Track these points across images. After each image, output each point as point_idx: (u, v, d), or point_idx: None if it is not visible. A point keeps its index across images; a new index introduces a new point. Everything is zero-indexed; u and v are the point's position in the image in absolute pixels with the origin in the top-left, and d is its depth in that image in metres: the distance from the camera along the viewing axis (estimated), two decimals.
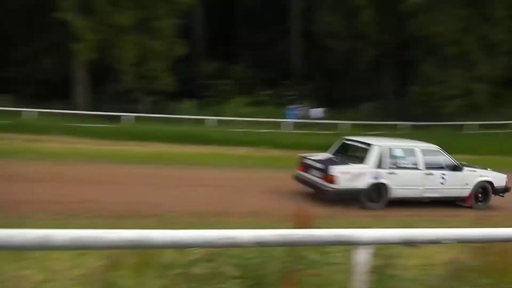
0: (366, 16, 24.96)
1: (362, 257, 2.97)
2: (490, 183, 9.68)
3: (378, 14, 25.03)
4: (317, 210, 7.39)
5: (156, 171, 11.49)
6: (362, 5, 25.09)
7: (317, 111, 24.53)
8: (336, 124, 22.58)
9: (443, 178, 9.30)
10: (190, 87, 26.21)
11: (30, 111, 18.73)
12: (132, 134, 16.87)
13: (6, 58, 25.60)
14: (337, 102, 25.01)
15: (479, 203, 9.66)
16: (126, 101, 22.76)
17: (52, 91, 22.89)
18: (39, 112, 18.74)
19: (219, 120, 21.50)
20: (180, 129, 18.10)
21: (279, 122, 22.32)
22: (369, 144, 9.27)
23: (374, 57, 26.38)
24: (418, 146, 9.62)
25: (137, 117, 20.66)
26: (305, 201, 8.92)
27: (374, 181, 8.85)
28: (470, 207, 9.54)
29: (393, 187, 8.90)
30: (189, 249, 3.21)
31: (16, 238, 2.40)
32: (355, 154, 9.66)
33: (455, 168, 9.45)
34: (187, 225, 5.86)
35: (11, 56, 25.66)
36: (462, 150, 14.90)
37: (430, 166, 9.26)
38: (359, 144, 9.72)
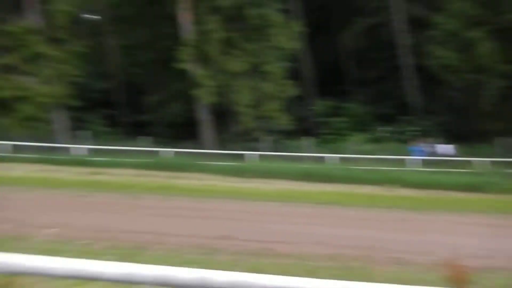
0: (484, 48, 23.32)
1: None
2: None
3: (500, 44, 23.20)
4: None
5: (287, 208, 11.75)
6: (478, 37, 23.53)
7: (446, 148, 23.00)
8: (469, 161, 20.86)
9: None
10: (306, 125, 27.02)
11: (166, 151, 20.82)
12: (257, 171, 17.65)
13: (141, 104, 29.44)
14: (464, 138, 23.24)
15: None
16: (248, 140, 24.21)
17: (182, 132, 25.43)
18: (174, 152, 20.73)
19: (340, 158, 21.40)
20: (302, 167, 18.53)
21: (404, 159, 21.40)
22: None
23: (502, 89, 24.23)
24: None
25: (260, 155, 21.54)
26: None
27: None
28: None
29: None
30: None
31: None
32: None
33: None
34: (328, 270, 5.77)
35: (146, 103, 29.39)
36: None
37: None
38: None
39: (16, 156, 19.80)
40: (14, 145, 20.98)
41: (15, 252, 2.23)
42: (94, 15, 35.31)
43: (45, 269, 2.04)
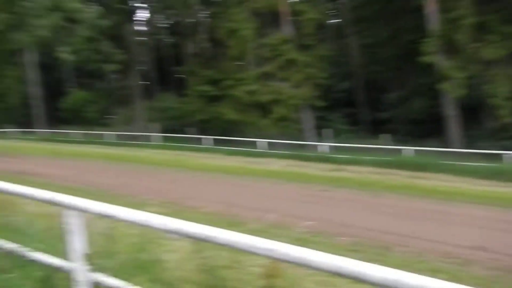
0: None
1: None
2: None
3: None
4: None
5: None
6: None
7: None
8: None
9: None
10: None
11: (407, 149, 20.19)
12: None
13: (381, 102, 29.36)
14: None
15: None
16: (506, 138, 20.92)
17: (424, 129, 24.10)
18: (415, 150, 19.89)
19: None
20: None
21: None
22: None
23: None
24: None
25: None
26: None
27: None
28: None
29: None
30: None
31: None
32: None
33: None
34: None
35: (386, 100, 29.12)
36: None
37: None
38: None
39: (271, 152, 22.93)
40: (269, 142, 24.32)
41: (278, 240, 2.66)
42: (336, 19, 37.29)
43: (307, 261, 2.34)
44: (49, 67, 38.38)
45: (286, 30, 29.22)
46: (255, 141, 24.67)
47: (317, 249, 2.51)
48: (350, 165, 18.66)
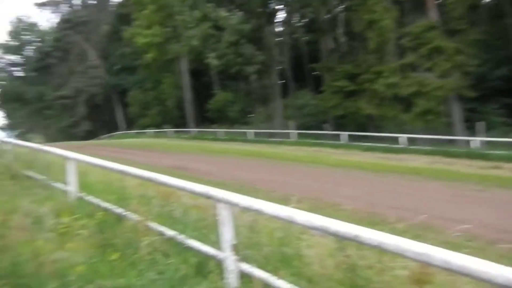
0: None
1: None
2: None
3: None
4: None
5: None
6: None
7: None
8: None
9: None
10: None
11: None
12: None
13: None
14: None
15: None
16: None
17: None
18: None
19: None
20: None
21: None
22: None
23: None
24: None
25: None
26: None
27: None
28: None
29: None
30: None
31: None
32: None
33: None
34: None
35: None
36: None
37: None
38: None
39: (413, 148, 21.45)
40: (410, 137, 22.75)
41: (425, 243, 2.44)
42: None
43: (468, 270, 2.10)
44: (198, 72, 42.32)
45: (432, 16, 26.96)
46: (394, 137, 23.37)
47: (473, 256, 2.25)
48: (509, 162, 16.40)
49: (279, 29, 39.29)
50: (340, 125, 29.04)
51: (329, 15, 34.05)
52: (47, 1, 59.16)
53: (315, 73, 37.62)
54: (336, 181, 13.49)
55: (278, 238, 4.19)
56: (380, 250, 2.71)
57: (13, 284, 3.24)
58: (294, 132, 29.36)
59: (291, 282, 3.13)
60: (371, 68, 29.00)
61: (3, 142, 10.07)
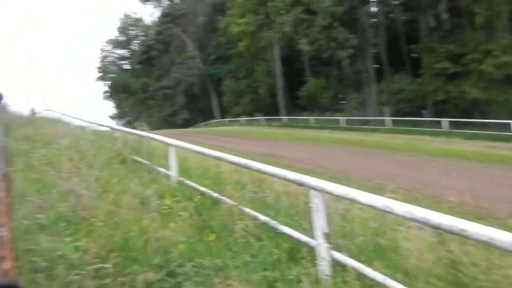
0: None
1: None
2: None
3: None
4: None
5: None
6: None
7: None
8: None
9: None
10: None
11: None
12: None
13: None
14: None
15: None
16: None
17: None
18: None
19: None
20: None
21: None
22: None
23: None
24: None
25: None
26: None
27: None
28: None
29: None
30: None
31: None
32: None
33: None
34: None
35: None
36: None
37: None
38: None
39: None
40: None
41: None
42: None
43: None
44: (289, 59, 42.33)
45: None
46: (504, 123, 21.12)
47: None
48: None
49: (374, 9, 37.47)
50: (440, 111, 27.01)
51: None
52: None
53: (413, 55, 35.32)
54: (435, 171, 12.63)
55: (372, 228, 4.07)
56: (490, 246, 2.49)
57: (123, 257, 3.59)
58: (389, 119, 28.05)
59: (386, 274, 3.03)
60: (478, 47, 26.33)
61: (113, 129, 11.13)
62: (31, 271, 3.22)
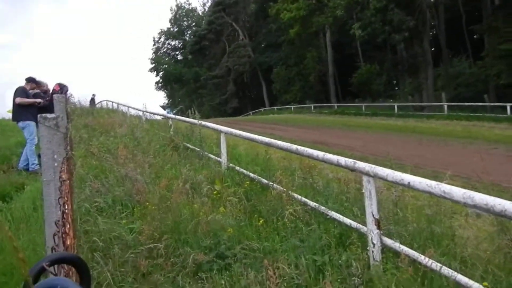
0: None
1: None
2: None
3: None
4: None
5: None
6: None
7: None
8: None
9: None
10: None
11: None
12: None
13: None
14: None
15: None
16: None
17: None
18: None
19: None
20: None
21: None
22: None
23: None
24: None
25: None
26: None
27: None
28: None
29: None
30: None
31: None
32: None
33: None
34: None
35: None
36: None
37: None
38: None
39: None
40: None
41: None
42: None
43: None
44: (341, 45, 41.39)
45: None
46: None
47: None
48: None
49: None
50: (504, 96, 25.27)
51: None
52: None
53: (474, 36, 33.26)
54: (496, 158, 11.88)
55: (427, 215, 3.91)
56: None
57: (175, 238, 3.71)
58: (446, 104, 26.70)
59: (441, 262, 2.90)
60: None
61: (166, 118, 11.47)
62: (90, 250, 3.41)
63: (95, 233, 3.73)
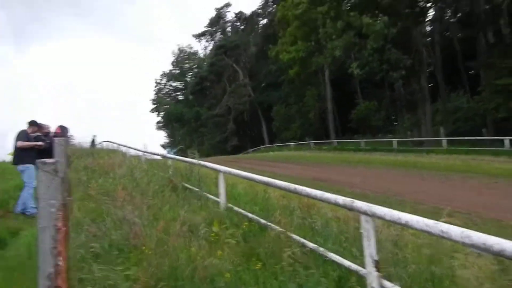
0: None
1: None
2: None
3: None
4: None
5: None
6: None
7: None
8: None
9: None
10: None
11: None
12: None
13: None
14: None
15: None
16: None
17: None
18: None
19: None
20: None
21: None
22: None
23: None
24: None
25: None
26: None
27: None
28: None
29: None
30: None
31: None
32: None
33: None
34: None
35: None
36: None
37: None
38: None
39: None
40: None
41: None
42: None
43: None
44: (340, 82, 42.08)
45: None
46: None
47: None
48: None
49: (428, 28, 36.50)
50: (502, 130, 25.40)
51: (489, 6, 30.26)
52: (204, 31, 66.24)
53: (471, 72, 33.81)
54: (496, 192, 11.79)
55: (427, 255, 3.85)
56: None
57: (171, 286, 3.63)
58: (445, 139, 26.79)
59: None
60: None
61: (166, 158, 11.51)
62: None
63: (90, 281, 3.66)
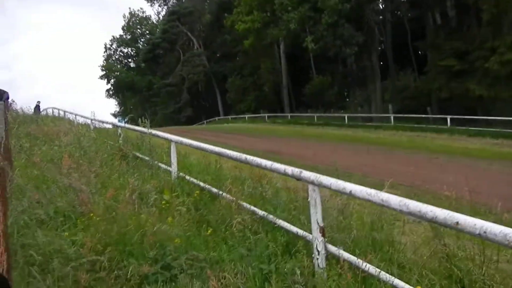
0: None
1: None
2: None
3: None
4: None
5: None
6: None
7: None
8: None
9: None
10: None
11: None
12: None
13: None
14: None
15: None
16: None
17: None
18: None
19: None
20: None
21: None
22: None
23: None
24: None
25: None
26: None
27: None
28: None
29: None
30: None
31: None
32: None
33: None
34: None
35: None
36: None
37: None
38: None
39: None
40: None
41: None
42: None
43: None
44: (294, 56, 42.24)
45: None
46: (509, 120, 20.95)
47: None
48: None
49: (380, 6, 37.27)
50: (445, 109, 26.85)
51: None
52: None
53: (418, 52, 35.14)
54: (437, 167, 12.57)
55: (369, 223, 4.06)
56: (484, 240, 2.48)
57: (120, 250, 3.61)
58: (393, 116, 27.94)
59: (380, 267, 3.02)
60: (484, 44, 26.09)
61: (116, 126, 11.16)
62: (26, 265, 3.24)
63: (33, 246, 3.54)
